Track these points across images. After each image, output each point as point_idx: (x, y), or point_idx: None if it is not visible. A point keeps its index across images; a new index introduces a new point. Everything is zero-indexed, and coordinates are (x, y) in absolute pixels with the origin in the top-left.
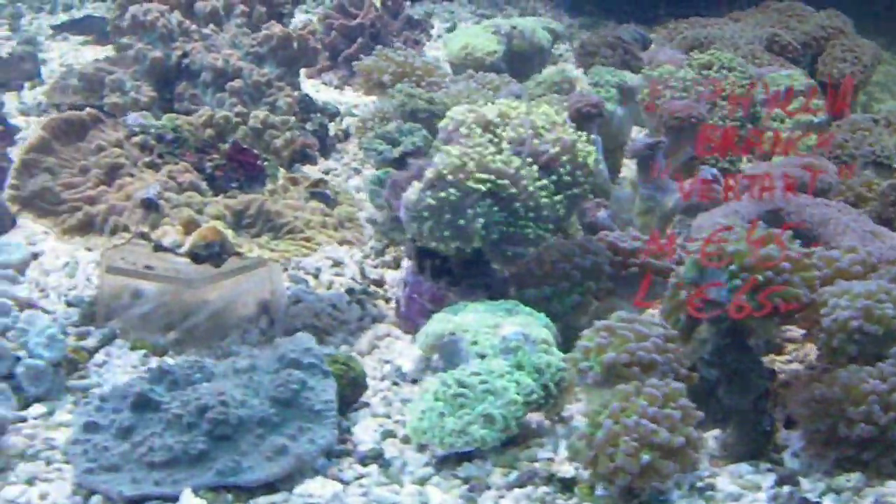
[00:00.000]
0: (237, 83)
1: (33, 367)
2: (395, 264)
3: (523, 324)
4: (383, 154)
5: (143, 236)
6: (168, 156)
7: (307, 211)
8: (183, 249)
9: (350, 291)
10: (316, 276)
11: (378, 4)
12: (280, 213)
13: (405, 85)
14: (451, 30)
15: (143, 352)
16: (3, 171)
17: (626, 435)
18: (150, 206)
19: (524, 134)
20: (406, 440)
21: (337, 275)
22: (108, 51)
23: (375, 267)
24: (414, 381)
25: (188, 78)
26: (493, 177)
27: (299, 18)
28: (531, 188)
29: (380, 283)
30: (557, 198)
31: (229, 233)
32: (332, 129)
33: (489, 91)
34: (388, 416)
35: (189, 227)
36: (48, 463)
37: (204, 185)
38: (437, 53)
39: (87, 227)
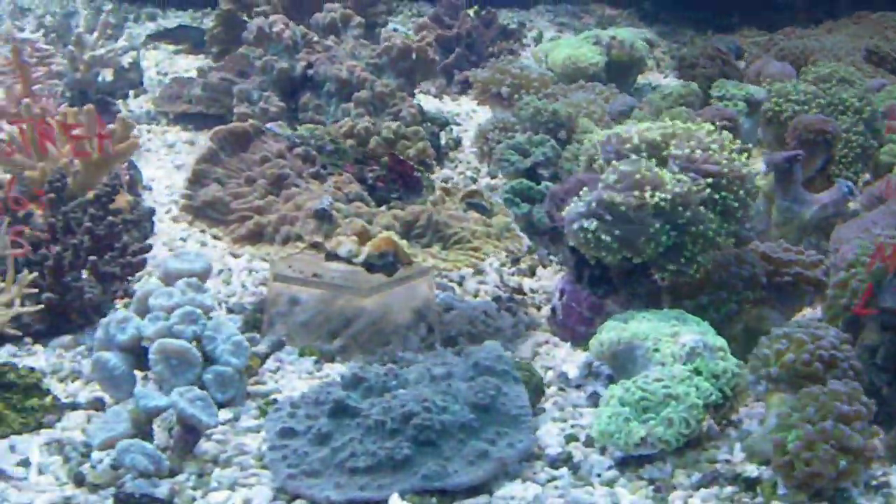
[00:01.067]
0: (364, 94)
1: (221, 373)
2: (531, 272)
3: (700, 332)
4: (515, 164)
5: (317, 246)
6: (331, 167)
7: (470, 221)
8: (359, 259)
9: (497, 299)
10: (460, 284)
11: (472, 14)
12: (447, 223)
13: (532, 97)
14: (537, 39)
15: (313, 358)
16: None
17: (823, 440)
18: (323, 216)
19: (693, 152)
20: (588, 443)
21: (481, 283)
22: (200, 60)
23: (512, 275)
24: (578, 387)
25: (312, 89)
26: (665, 193)
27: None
28: (700, 206)
29: (519, 290)
30: (722, 217)
31: (403, 243)
32: (443, 138)
33: (603, 101)
34: (564, 420)
35: (362, 237)
36: (243, 468)
37: (366, 195)
38: (528, 62)
39: (257, 236)
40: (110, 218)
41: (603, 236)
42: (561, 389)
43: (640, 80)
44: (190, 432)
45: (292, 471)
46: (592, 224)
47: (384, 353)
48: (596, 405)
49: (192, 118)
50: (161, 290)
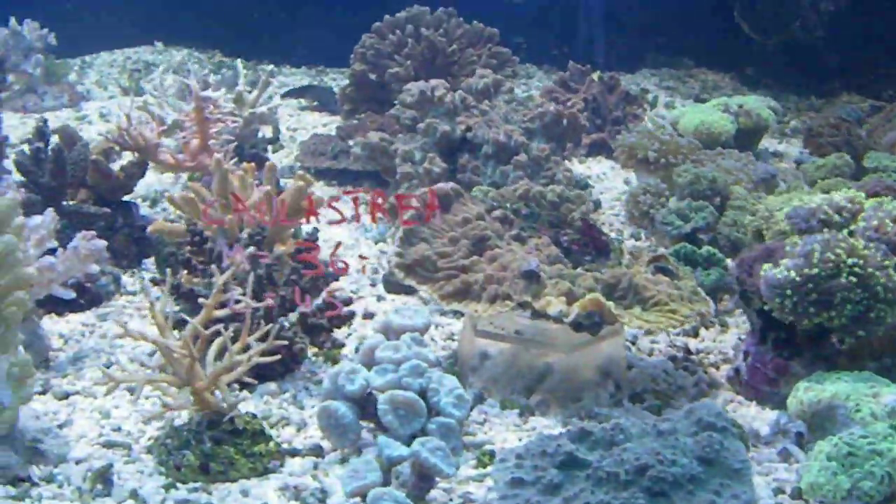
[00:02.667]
0: (523, 157)
1: (445, 424)
2: (695, 333)
3: None
4: (678, 229)
5: (525, 305)
6: (529, 229)
7: (663, 284)
8: (568, 319)
9: (672, 359)
10: (633, 343)
11: (595, 79)
12: (645, 286)
13: (689, 165)
14: (652, 104)
15: (516, 411)
16: None
17: None
18: (531, 277)
19: (882, 223)
20: (795, 495)
21: (653, 342)
22: (325, 117)
23: (677, 335)
24: (767, 444)
25: (470, 150)
26: (860, 261)
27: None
28: (892, 274)
29: (686, 349)
30: None
31: (610, 304)
32: None
33: (748, 168)
34: (767, 474)
35: (568, 297)
36: None
37: (563, 257)
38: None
39: (464, 294)
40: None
41: (800, 302)
42: (753, 446)
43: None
44: (425, 480)
45: None
46: (789, 290)
47: (580, 408)
48: (786, 461)
49: (335, 174)
50: (388, 344)
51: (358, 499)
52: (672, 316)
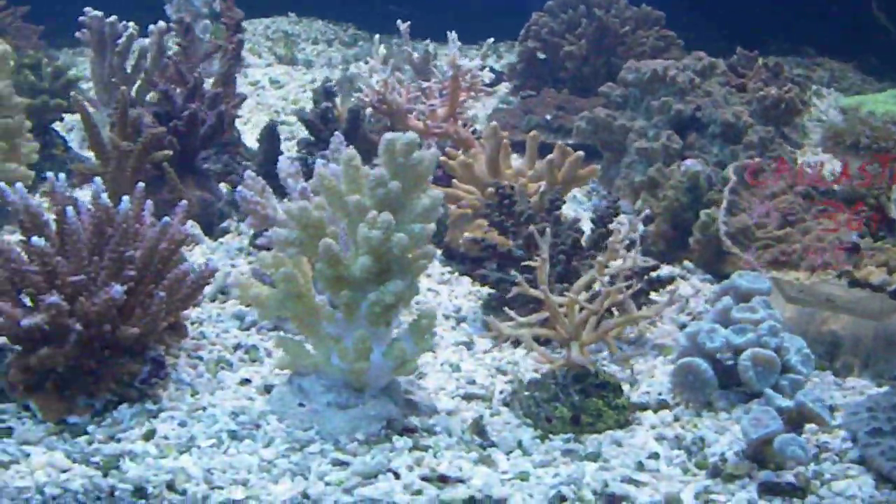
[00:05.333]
0: (753, 138)
1: (795, 380)
2: None
3: None
4: None
5: (846, 274)
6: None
7: None
8: (891, 288)
9: None
10: None
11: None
12: None
13: None
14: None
15: (828, 372)
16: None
17: None
18: (853, 248)
19: None
20: None
21: None
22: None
23: None
24: None
25: (697, 129)
26: None
27: None
28: None
29: None
30: None
31: None
32: None
33: None
34: None
35: (888, 268)
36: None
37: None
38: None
39: (780, 263)
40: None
41: None
42: None
43: None
44: (796, 428)
45: (893, 463)
46: None
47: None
48: None
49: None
50: (743, 306)
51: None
52: None
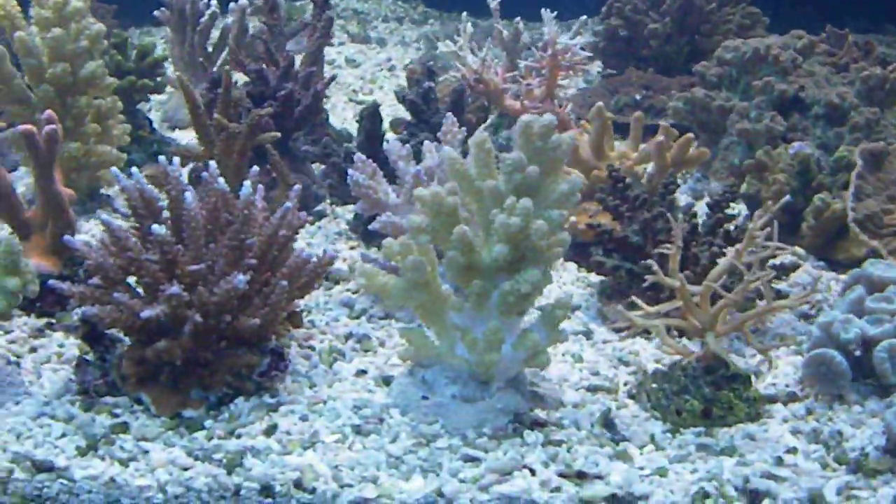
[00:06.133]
0: (860, 119)
1: None
2: None
3: None
4: None
5: None
6: None
7: None
8: None
9: None
10: None
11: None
12: None
13: None
14: None
15: None
16: None
17: None
18: None
19: None
20: None
21: None
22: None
23: None
24: None
25: (800, 111)
26: None
27: None
28: None
29: None
30: None
31: None
32: None
33: None
34: None
35: None
36: None
37: None
38: None
39: None
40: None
41: None
42: None
43: None
44: None
45: None
46: None
47: None
48: None
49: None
50: (878, 296)
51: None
52: None
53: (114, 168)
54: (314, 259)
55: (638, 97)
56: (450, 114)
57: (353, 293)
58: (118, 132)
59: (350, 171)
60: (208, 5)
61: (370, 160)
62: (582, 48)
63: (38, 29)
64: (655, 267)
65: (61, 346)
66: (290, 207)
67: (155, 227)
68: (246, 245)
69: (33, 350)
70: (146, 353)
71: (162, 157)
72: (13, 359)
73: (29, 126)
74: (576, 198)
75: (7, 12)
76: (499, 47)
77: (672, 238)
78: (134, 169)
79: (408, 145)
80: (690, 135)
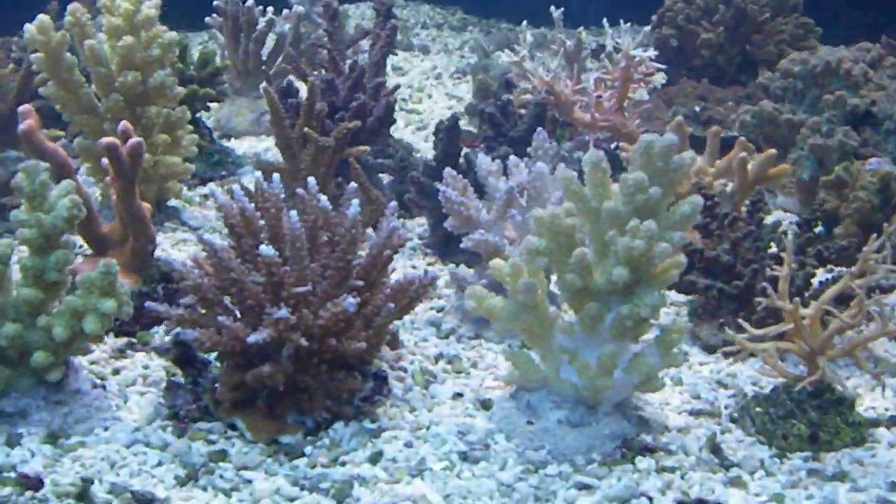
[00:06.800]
0: None
1: None
2: None
3: None
4: None
5: None
6: None
7: None
8: None
9: None
10: None
11: None
12: None
13: None
14: None
15: None
16: None
17: None
18: None
19: None
20: None
21: None
22: None
23: None
24: None
25: (872, 125)
26: None
27: None
28: None
29: None
30: None
31: None
32: None
33: None
34: None
35: None
36: None
37: None
38: None
39: None
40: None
41: None
42: None
43: None
44: None
45: None
46: None
47: None
48: None
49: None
50: None
51: None
52: None
53: (211, 185)
54: (417, 279)
55: (697, 108)
56: (541, 129)
57: (439, 312)
58: (186, 143)
59: (441, 188)
60: (264, 12)
61: (460, 176)
62: (652, 59)
63: (107, 37)
64: (770, 289)
65: (146, 367)
66: (396, 227)
67: (263, 248)
68: (352, 266)
69: (116, 372)
70: (246, 377)
71: (258, 174)
72: (98, 381)
73: (112, 139)
74: (696, 219)
75: (77, 20)
76: (561, 57)
77: (777, 259)
78: (236, 186)
79: (498, 161)
80: (773, 151)
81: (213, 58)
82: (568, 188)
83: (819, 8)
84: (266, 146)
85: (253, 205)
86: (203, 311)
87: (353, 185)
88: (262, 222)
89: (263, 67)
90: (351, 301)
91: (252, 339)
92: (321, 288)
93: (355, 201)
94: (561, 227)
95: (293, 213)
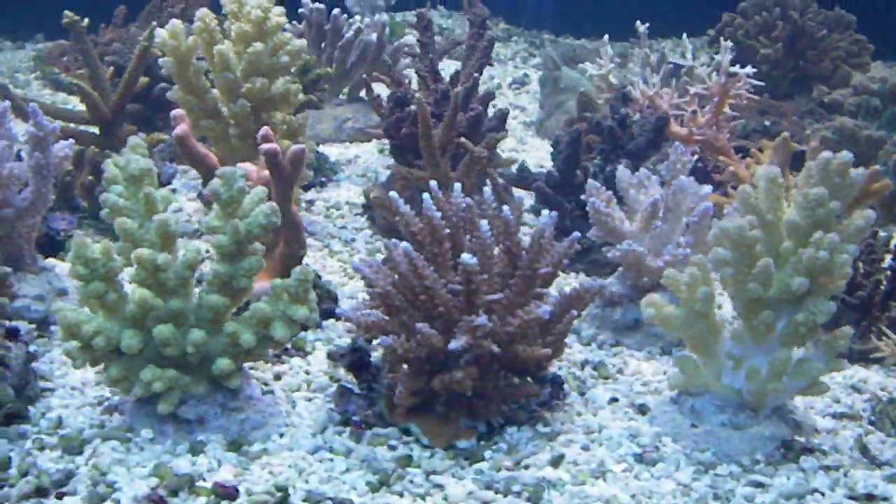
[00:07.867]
0: None
1: None
2: None
3: None
4: None
5: None
6: None
7: None
8: None
9: None
10: None
11: None
12: None
13: None
14: None
15: None
16: None
17: None
18: None
19: None
20: None
21: None
22: None
23: None
24: None
25: None
26: None
27: None
28: None
29: None
30: None
31: None
32: None
33: None
34: None
35: None
36: None
37: None
38: None
39: None
40: None
41: None
42: None
43: None
44: None
45: None
46: None
47: None
48: None
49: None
50: None
51: None
52: None
53: (393, 193)
54: (591, 288)
55: (767, 123)
56: (678, 143)
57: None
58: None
59: (590, 199)
60: (350, 21)
61: (603, 188)
62: (749, 76)
63: (234, 43)
64: None
65: (307, 372)
66: (578, 237)
67: (465, 256)
68: (540, 275)
69: (278, 377)
70: (433, 383)
71: (433, 183)
72: (264, 387)
73: (273, 146)
74: (868, 232)
75: (206, 25)
76: (663, 73)
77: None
78: (426, 195)
79: (638, 174)
80: (878, 167)
81: (314, 65)
82: (746, 202)
83: (870, 26)
84: (355, 153)
85: (440, 213)
86: (388, 318)
87: (520, 196)
88: (447, 230)
89: (364, 76)
90: (546, 309)
91: (452, 345)
92: (506, 295)
93: (546, 212)
94: (745, 239)
95: (484, 223)
